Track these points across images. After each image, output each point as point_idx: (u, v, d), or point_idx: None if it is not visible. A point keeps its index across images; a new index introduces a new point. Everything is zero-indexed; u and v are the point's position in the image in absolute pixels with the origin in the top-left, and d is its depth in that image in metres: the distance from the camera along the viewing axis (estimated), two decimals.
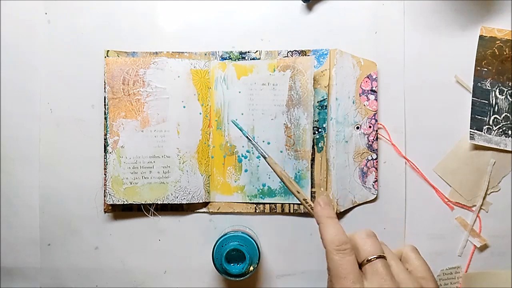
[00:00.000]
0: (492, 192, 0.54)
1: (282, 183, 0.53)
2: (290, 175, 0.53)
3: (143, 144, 0.53)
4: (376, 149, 0.54)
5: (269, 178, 0.54)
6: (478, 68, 0.53)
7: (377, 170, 0.54)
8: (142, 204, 0.54)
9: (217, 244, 0.49)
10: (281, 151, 0.54)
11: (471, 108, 0.53)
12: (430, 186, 0.55)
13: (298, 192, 0.47)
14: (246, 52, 0.55)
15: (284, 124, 0.53)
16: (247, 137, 0.53)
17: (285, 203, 0.54)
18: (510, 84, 0.53)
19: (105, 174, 0.54)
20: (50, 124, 0.55)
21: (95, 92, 0.55)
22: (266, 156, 0.50)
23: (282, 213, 0.55)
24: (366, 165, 0.54)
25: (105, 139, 0.54)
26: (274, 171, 0.50)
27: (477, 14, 0.54)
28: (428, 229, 0.54)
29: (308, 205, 0.47)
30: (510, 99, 0.53)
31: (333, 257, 0.36)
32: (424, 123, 0.55)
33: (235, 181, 0.54)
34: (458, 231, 0.55)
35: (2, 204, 0.56)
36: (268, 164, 0.50)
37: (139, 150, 0.53)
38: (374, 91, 0.54)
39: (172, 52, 0.55)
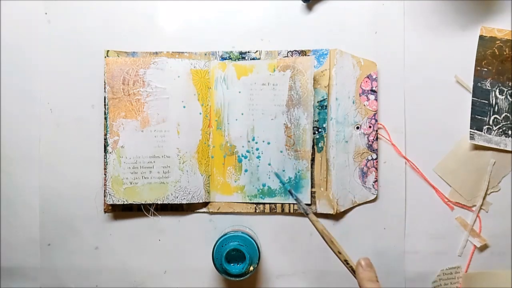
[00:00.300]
0: (492, 192, 0.54)
1: (280, 184, 0.53)
2: (290, 175, 0.53)
3: (143, 144, 0.53)
4: (376, 149, 0.54)
5: (269, 178, 0.54)
6: (478, 68, 0.53)
7: (377, 170, 0.54)
8: (142, 204, 0.54)
9: (217, 244, 0.49)
10: (281, 151, 0.54)
11: (471, 108, 0.53)
12: (430, 186, 0.55)
13: (340, 253, 0.46)
14: (246, 52, 0.55)
15: (284, 124, 0.53)
16: (289, 191, 0.52)
17: (285, 203, 0.54)
18: (510, 84, 0.53)
19: (105, 174, 0.54)
20: (50, 124, 0.55)
21: (95, 92, 0.55)
22: (308, 213, 0.49)
23: (282, 213, 0.55)
24: (366, 165, 0.54)
25: (105, 139, 0.54)
26: (316, 228, 0.48)
27: (477, 14, 0.54)
28: (428, 229, 0.54)
29: (349, 266, 0.46)
30: (510, 99, 0.53)
31: None
32: (424, 123, 0.55)
33: (235, 181, 0.54)
34: (458, 231, 0.55)
35: (2, 204, 0.56)
36: (310, 220, 0.49)
37: (139, 150, 0.53)
38: (374, 91, 0.54)
39: (172, 52, 0.55)
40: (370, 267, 0.41)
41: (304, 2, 0.54)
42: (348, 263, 0.46)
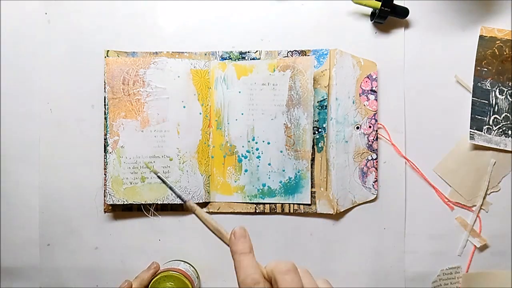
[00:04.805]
0: (492, 192, 0.54)
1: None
2: (290, 175, 0.53)
3: (143, 144, 0.53)
4: (376, 149, 0.54)
5: (269, 178, 0.54)
6: (478, 68, 0.53)
7: (377, 170, 0.54)
8: (142, 204, 0.54)
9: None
10: (281, 151, 0.54)
11: (471, 108, 0.53)
12: (430, 186, 0.55)
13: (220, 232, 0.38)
14: (246, 52, 0.55)
15: (284, 124, 0.53)
16: (158, 176, 0.43)
17: (285, 203, 0.54)
18: (510, 84, 0.53)
19: (105, 174, 0.54)
20: (50, 124, 0.55)
21: (95, 92, 0.55)
22: (185, 200, 0.38)
23: (282, 213, 0.55)
24: (366, 165, 0.54)
25: (105, 139, 0.54)
26: (198, 217, 0.38)
27: (477, 14, 0.54)
28: (428, 229, 0.54)
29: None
30: (510, 99, 0.53)
31: None
32: (424, 123, 0.55)
33: (235, 181, 0.54)
34: (458, 231, 0.55)
35: (2, 204, 0.56)
36: (188, 208, 0.38)
37: (139, 150, 0.53)
38: (374, 91, 0.54)
39: (172, 52, 0.55)
40: (243, 237, 0.35)
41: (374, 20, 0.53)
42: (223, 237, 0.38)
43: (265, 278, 0.33)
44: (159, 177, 0.41)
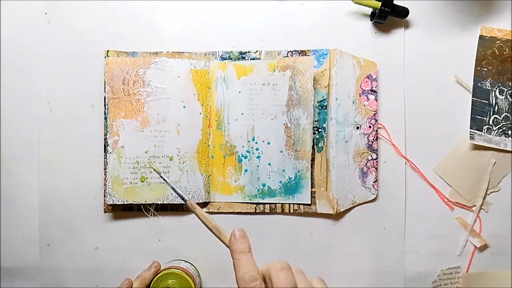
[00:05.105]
0: (492, 192, 0.54)
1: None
2: (290, 175, 0.53)
3: (143, 144, 0.53)
4: (376, 149, 0.54)
5: (269, 178, 0.54)
6: (478, 68, 0.53)
7: (377, 170, 0.54)
8: (142, 204, 0.54)
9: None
10: (281, 151, 0.54)
11: (471, 108, 0.53)
12: (430, 186, 0.55)
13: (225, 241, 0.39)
14: (246, 52, 0.55)
15: (284, 124, 0.53)
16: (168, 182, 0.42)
17: (285, 203, 0.54)
18: (510, 84, 0.53)
19: (105, 174, 0.54)
20: (50, 124, 0.55)
21: (95, 92, 0.55)
22: (186, 199, 0.40)
23: (282, 213, 0.55)
24: (366, 165, 0.54)
25: (105, 139, 0.54)
26: (197, 216, 0.40)
27: (477, 14, 0.54)
28: (428, 229, 0.54)
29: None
30: (510, 99, 0.53)
31: None
32: (424, 123, 0.55)
33: (235, 181, 0.54)
34: (458, 231, 0.55)
35: (2, 204, 0.56)
36: (189, 208, 0.40)
37: (139, 150, 0.53)
38: (374, 91, 0.54)
39: (172, 52, 0.55)
40: (243, 238, 0.38)
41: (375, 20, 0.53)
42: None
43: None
44: (161, 177, 0.42)
